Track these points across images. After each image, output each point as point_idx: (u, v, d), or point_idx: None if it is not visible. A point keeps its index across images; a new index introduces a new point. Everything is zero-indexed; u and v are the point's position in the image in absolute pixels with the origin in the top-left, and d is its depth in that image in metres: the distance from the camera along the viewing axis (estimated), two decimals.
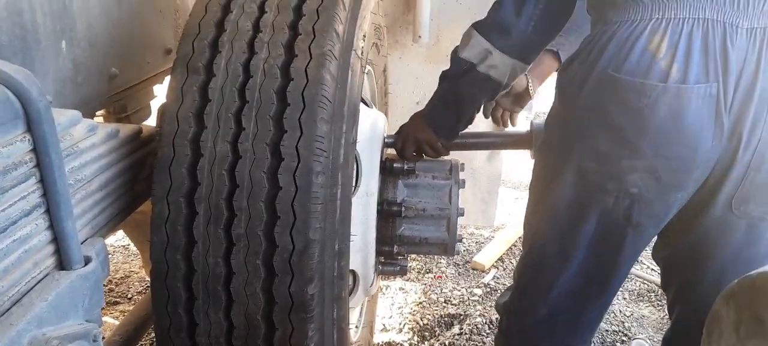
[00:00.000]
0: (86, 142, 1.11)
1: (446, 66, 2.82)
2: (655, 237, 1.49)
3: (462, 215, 1.65)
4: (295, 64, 1.14)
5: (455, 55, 1.60)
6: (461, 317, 2.61)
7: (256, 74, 1.13)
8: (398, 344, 2.44)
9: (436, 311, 2.67)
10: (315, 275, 1.09)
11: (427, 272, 2.99)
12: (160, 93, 1.99)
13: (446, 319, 2.61)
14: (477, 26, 1.55)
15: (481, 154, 2.85)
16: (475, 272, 3.03)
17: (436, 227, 1.65)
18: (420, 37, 2.61)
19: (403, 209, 1.60)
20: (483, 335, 2.50)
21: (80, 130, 1.10)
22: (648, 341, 2.46)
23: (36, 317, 0.90)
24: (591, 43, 1.35)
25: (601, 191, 1.35)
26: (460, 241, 1.70)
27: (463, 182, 1.68)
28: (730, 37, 1.22)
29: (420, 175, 1.67)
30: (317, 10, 1.21)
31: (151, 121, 1.94)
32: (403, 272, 1.74)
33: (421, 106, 2.88)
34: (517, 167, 4.24)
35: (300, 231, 1.06)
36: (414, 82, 2.82)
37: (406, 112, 2.88)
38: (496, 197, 2.88)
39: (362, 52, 1.34)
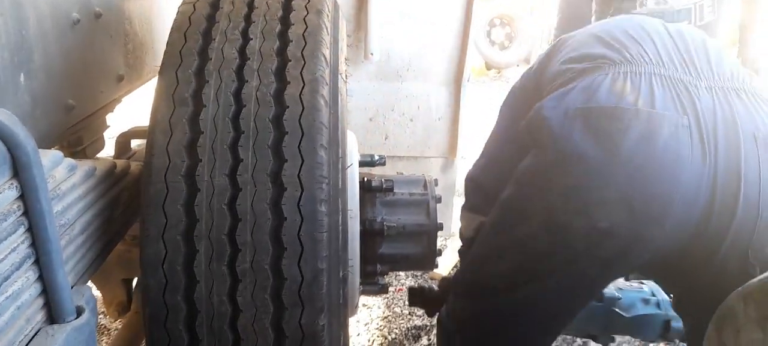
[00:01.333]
0: (67, 184, 1.04)
1: (397, 82, 2.86)
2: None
3: (441, 229, 1.68)
4: (289, 90, 1.12)
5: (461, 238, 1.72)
6: (427, 328, 2.64)
7: (249, 103, 1.10)
8: None
9: (402, 325, 2.68)
10: (324, 305, 1.07)
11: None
12: (112, 123, 1.88)
13: (413, 331, 2.62)
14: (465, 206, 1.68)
15: (435, 165, 2.92)
16: (433, 281, 3.07)
17: (417, 243, 1.66)
18: (372, 53, 2.63)
19: (385, 227, 1.60)
20: None
21: (62, 171, 1.02)
22: None
23: None
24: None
25: (570, 232, 1.27)
26: (440, 254, 1.72)
27: (439, 197, 1.71)
28: (693, 91, 1.24)
29: (397, 192, 1.68)
30: (303, 36, 1.20)
31: (105, 153, 1.83)
32: (384, 290, 1.73)
33: (374, 123, 2.91)
34: (463, 176, 4.34)
35: (308, 261, 1.04)
36: (366, 99, 2.84)
37: (360, 128, 2.90)
38: (452, 208, 2.95)
39: (345, 75, 1.34)
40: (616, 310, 1.85)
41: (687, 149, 1.20)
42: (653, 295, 1.90)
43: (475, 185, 1.80)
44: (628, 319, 1.84)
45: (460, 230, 1.82)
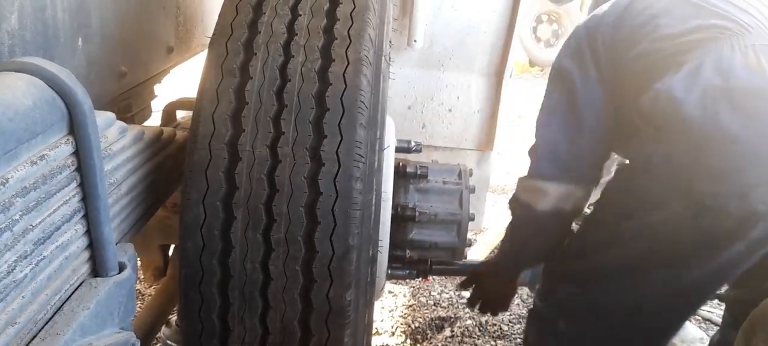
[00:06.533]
0: (118, 145, 1.08)
1: (438, 70, 2.85)
2: None
3: (473, 219, 1.68)
4: (333, 68, 1.13)
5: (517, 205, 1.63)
6: (451, 319, 2.64)
7: (293, 78, 1.12)
8: None
9: (426, 314, 2.69)
10: (352, 281, 1.09)
11: None
12: (160, 93, 1.94)
13: (437, 322, 2.63)
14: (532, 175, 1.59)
15: (471, 158, 2.90)
16: None
17: (447, 231, 1.67)
18: (415, 41, 2.63)
19: (416, 213, 1.61)
20: (474, 338, 2.53)
21: (113, 133, 1.07)
22: None
23: (80, 326, 0.87)
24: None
25: (722, 216, 1.21)
26: (470, 245, 1.72)
27: (473, 187, 1.71)
28: None
29: (431, 179, 1.69)
30: (351, 15, 1.21)
31: (152, 122, 1.89)
32: (411, 276, 1.75)
33: (412, 111, 2.92)
34: (497, 171, 4.31)
35: (340, 237, 1.06)
36: (406, 86, 2.84)
37: (398, 115, 2.90)
38: (485, 202, 2.93)
39: (389, 58, 1.35)
40: None
41: None
42: None
43: (553, 153, 1.56)
44: None
45: (518, 197, 1.63)
